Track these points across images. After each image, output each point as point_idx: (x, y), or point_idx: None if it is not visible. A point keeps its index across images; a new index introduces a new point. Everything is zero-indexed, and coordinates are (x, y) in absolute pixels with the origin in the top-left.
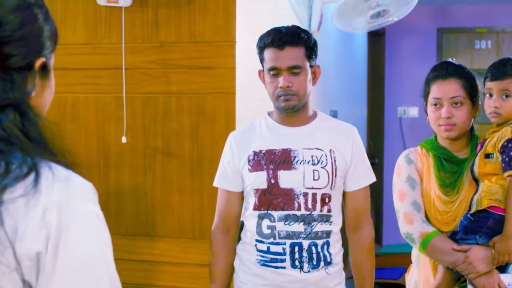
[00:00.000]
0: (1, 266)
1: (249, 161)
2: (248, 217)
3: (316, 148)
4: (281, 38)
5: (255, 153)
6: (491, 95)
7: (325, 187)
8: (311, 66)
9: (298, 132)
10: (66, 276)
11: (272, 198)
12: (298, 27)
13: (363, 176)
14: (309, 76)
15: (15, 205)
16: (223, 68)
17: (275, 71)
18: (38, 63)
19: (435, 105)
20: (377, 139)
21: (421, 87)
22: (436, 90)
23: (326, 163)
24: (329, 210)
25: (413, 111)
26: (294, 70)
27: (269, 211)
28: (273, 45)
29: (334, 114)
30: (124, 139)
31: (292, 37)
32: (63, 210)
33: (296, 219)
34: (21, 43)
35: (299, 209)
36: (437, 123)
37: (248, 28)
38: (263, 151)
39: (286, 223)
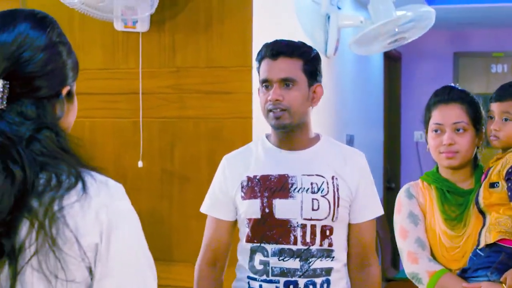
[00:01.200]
0: (71, 258)
1: (242, 187)
2: (241, 250)
3: (317, 175)
4: (274, 47)
5: (249, 179)
6: (491, 118)
7: (325, 218)
8: (310, 85)
9: (297, 157)
10: (116, 264)
11: (266, 230)
12: (302, 42)
13: (370, 207)
14: (306, 93)
15: (73, 209)
16: (240, 93)
17: (267, 83)
18: (65, 91)
19: (436, 131)
20: (394, 164)
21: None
22: (438, 115)
23: (328, 192)
24: (330, 244)
25: None
26: (287, 82)
27: (262, 244)
28: (267, 55)
29: (351, 139)
30: (140, 164)
31: (288, 47)
32: (110, 209)
33: (292, 254)
34: (48, 77)
35: (295, 243)
36: (438, 150)
37: None
38: (258, 177)
39: (280, 258)
